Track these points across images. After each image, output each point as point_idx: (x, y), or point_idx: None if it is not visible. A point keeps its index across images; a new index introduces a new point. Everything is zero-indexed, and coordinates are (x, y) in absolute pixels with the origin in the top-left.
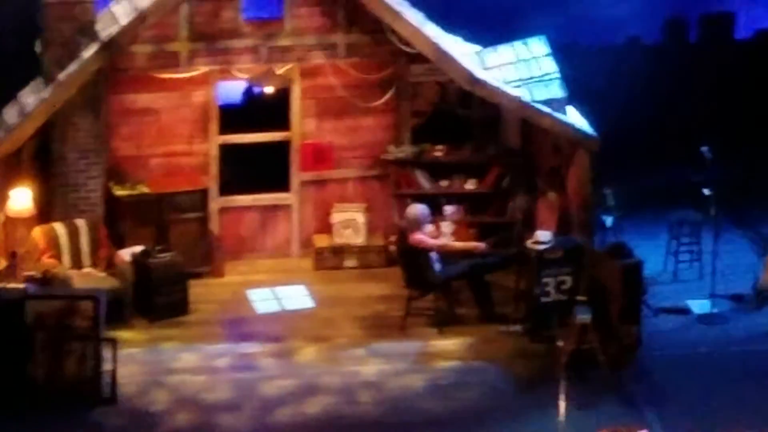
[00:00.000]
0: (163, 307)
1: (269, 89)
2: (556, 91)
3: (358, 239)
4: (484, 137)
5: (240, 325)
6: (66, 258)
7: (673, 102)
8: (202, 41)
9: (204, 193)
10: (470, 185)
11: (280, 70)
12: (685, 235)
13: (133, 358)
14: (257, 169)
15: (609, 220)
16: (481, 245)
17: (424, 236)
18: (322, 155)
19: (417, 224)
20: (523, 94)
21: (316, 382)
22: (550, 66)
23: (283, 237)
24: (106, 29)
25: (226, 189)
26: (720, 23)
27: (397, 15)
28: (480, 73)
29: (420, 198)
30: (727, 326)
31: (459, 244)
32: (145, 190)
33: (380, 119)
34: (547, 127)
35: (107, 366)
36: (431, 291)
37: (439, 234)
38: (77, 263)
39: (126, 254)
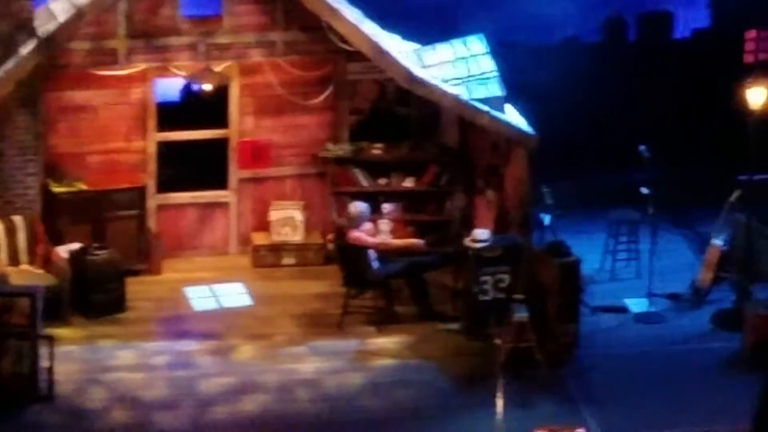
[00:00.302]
0: (100, 304)
1: (207, 87)
2: (495, 89)
3: (296, 237)
4: (422, 135)
5: (178, 322)
6: (3, 255)
7: (611, 101)
8: (140, 38)
9: (142, 191)
10: (408, 183)
11: (219, 67)
12: (623, 234)
13: (71, 356)
14: (195, 167)
15: (547, 219)
16: (419, 242)
17: (362, 234)
18: (260, 153)
19: (357, 222)
20: (462, 92)
21: (254, 380)
22: (488, 64)
23: (221, 234)
24: (43, 26)
25: (164, 186)
26: (658, 23)
27: (335, 13)
28: (418, 72)
29: (358, 196)
30: (665, 325)
31: (398, 242)
32: (82, 187)
33: (318, 117)
34: (486, 126)
35: (44, 363)
36: (369, 289)
37: (378, 232)
38: (14, 260)
39: (63, 251)
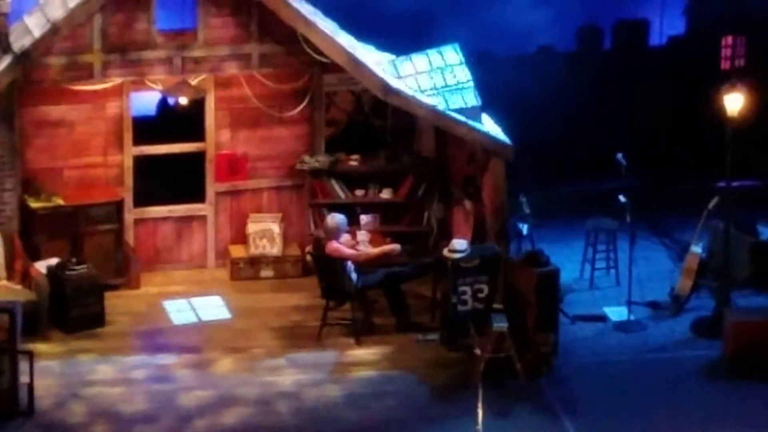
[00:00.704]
0: (78, 319)
1: (183, 100)
2: (471, 99)
3: (274, 249)
4: (398, 146)
5: (156, 336)
6: None
7: (587, 109)
8: (115, 52)
9: (119, 205)
10: (385, 194)
11: (194, 80)
12: (602, 243)
13: (50, 371)
14: (172, 181)
15: (525, 228)
16: (396, 247)
17: (340, 245)
18: (236, 166)
19: (334, 234)
20: (438, 102)
21: (233, 393)
22: (464, 74)
23: (198, 248)
24: (18, 41)
25: (141, 200)
26: (634, 30)
27: (309, 25)
28: (394, 82)
29: (335, 207)
30: (644, 333)
31: (375, 250)
32: (59, 202)
33: (295, 129)
34: (462, 136)
35: (24, 378)
36: (348, 301)
37: (356, 243)
38: None
39: (41, 266)
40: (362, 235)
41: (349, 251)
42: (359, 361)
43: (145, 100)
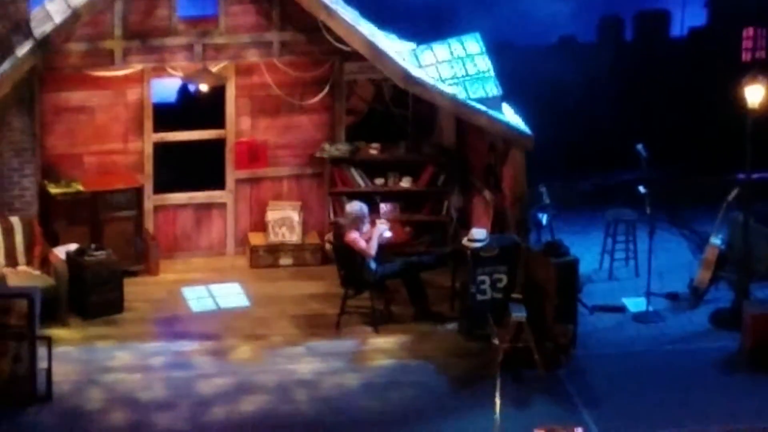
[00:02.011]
0: (97, 305)
1: (204, 87)
2: (492, 89)
3: (293, 237)
4: (419, 135)
5: (175, 323)
6: (0, 256)
7: (608, 100)
8: (136, 39)
9: (139, 192)
10: (405, 183)
11: (215, 68)
12: (621, 234)
13: (68, 357)
14: (192, 168)
15: (544, 218)
16: (380, 227)
17: (357, 237)
18: (256, 153)
19: (355, 222)
20: (458, 92)
21: (252, 381)
22: (485, 64)
23: (218, 235)
24: (40, 27)
25: (160, 187)
26: (655, 22)
27: (331, 13)
28: (415, 71)
29: (355, 196)
30: (663, 325)
31: (366, 244)
32: (79, 188)
33: (315, 117)
34: (482, 126)
35: (42, 364)
36: (366, 289)
37: (370, 235)
38: (12, 261)
39: (61, 252)
40: (382, 225)
41: (362, 244)
42: (378, 349)
43: (166, 87)
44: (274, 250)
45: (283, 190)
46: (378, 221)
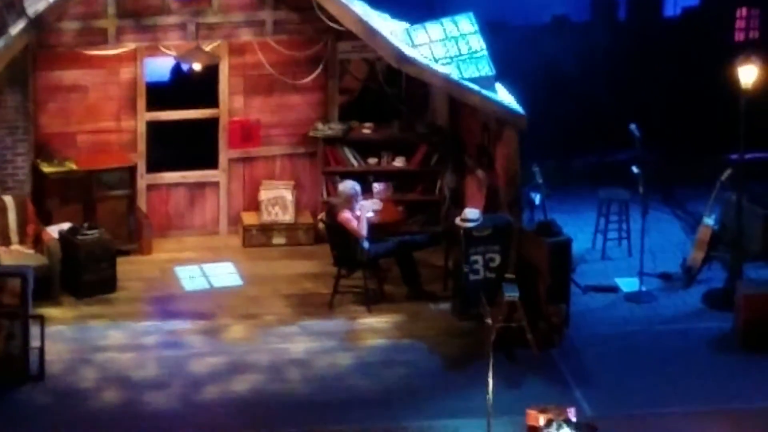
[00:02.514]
0: (90, 284)
1: (197, 66)
2: (485, 68)
3: (286, 217)
4: (412, 115)
5: (168, 302)
6: None
7: (600, 80)
8: (129, 18)
9: (132, 171)
10: (398, 163)
11: (208, 47)
12: (614, 213)
13: (61, 336)
14: (185, 147)
15: (537, 198)
16: (365, 204)
17: (350, 216)
18: (249, 133)
19: (348, 202)
20: (452, 71)
21: (244, 360)
22: (478, 43)
23: (211, 214)
24: (33, 6)
25: (153, 166)
26: (648, 1)
27: None
28: (408, 51)
29: (348, 176)
30: (656, 304)
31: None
32: (72, 167)
33: (308, 97)
34: (476, 105)
35: (35, 343)
36: (359, 269)
37: (359, 215)
38: (5, 240)
39: (54, 231)
40: (374, 204)
41: (354, 224)
42: (371, 329)
43: (159, 66)
44: (267, 229)
45: (276, 170)
46: (362, 200)
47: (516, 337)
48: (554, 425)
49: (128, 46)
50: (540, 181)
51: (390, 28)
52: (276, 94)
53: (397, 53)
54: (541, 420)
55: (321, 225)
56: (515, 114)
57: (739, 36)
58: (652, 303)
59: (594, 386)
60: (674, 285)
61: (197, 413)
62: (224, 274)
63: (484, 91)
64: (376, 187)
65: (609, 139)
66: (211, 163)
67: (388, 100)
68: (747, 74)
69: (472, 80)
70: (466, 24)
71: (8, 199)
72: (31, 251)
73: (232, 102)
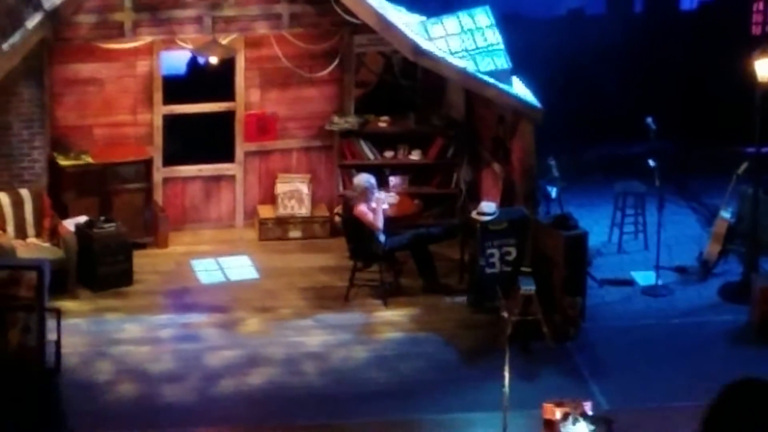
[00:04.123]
0: (106, 277)
1: (213, 59)
2: (501, 62)
3: (302, 210)
4: (428, 108)
5: (184, 295)
6: (10, 228)
7: (617, 73)
8: (146, 11)
9: (148, 164)
10: (414, 156)
11: (225, 40)
12: (630, 206)
13: (77, 329)
14: (201, 140)
15: (553, 191)
16: (381, 196)
17: (365, 209)
18: (266, 126)
19: (363, 195)
20: (468, 65)
21: (260, 353)
22: (494, 37)
23: (227, 208)
24: None
25: (170, 159)
26: None
27: None
28: (424, 44)
29: (364, 169)
30: (672, 298)
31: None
32: (89, 160)
33: (324, 90)
34: (492, 98)
35: (51, 336)
36: (375, 262)
37: (375, 207)
38: (21, 233)
39: (70, 224)
40: (390, 197)
41: (370, 217)
42: (386, 322)
43: (175, 59)
44: (283, 222)
45: (292, 163)
46: (377, 192)
47: (532, 330)
48: (570, 419)
49: (144, 40)
50: (556, 174)
51: (406, 21)
52: (292, 87)
53: (413, 46)
54: (558, 413)
55: (337, 218)
56: (531, 107)
57: (756, 29)
58: (668, 296)
59: (610, 379)
60: (690, 278)
61: (213, 406)
62: (240, 267)
63: (500, 85)
64: (392, 180)
65: (625, 132)
66: (228, 156)
67: (404, 94)
68: (763, 67)
69: (489, 73)
70: (482, 17)
71: (25, 193)
72: (48, 244)
73: (248, 95)
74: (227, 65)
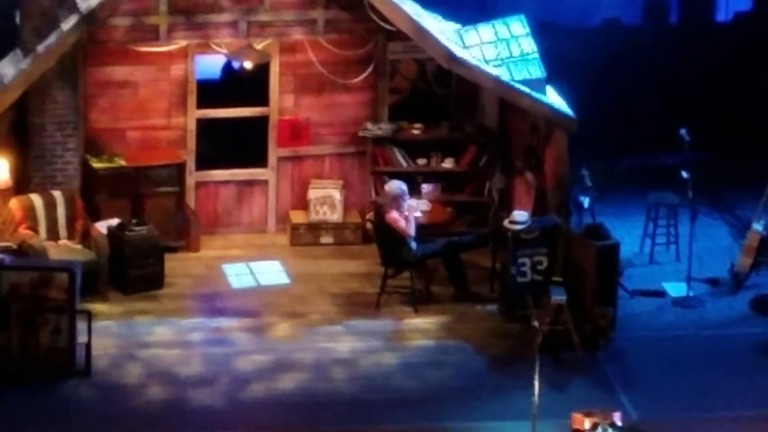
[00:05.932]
0: (138, 280)
1: (248, 64)
2: (535, 71)
3: (335, 216)
4: (461, 116)
5: (214, 299)
6: (42, 229)
7: (651, 83)
8: (181, 15)
9: (181, 167)
10: (447, 164)
11: (259, 45)
12: (662, 218)
13: (108, 331)
14: (234, 145)
15: (586, 201)
16: (412, 203)
17: (397, 216)
18: (299, 131)
19: (395, 201)
20: (502, 73)
21: (290, 358)
22: (529, 46)
23: (259, 212)
24: (85, 1)
25: (203, 163)
26: (700, 5)
27: None
28: (459, 52)
29: (397, 176)
30: (703, 309)
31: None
32: (122, 162)
33: (358, 96)
34: (526, 107)
35: (81, 338)
36: (407, 269)
37: (407, 215)
38: (53, 235)
39: (102, 227)
40: (423, 204)
41: (402, 224)
42: (416, 329)
43: (210, 64)
44: (315, 228)
45: (324, 169)
46: (408, 200)
47: (562, 339)
48: (600, 429)
49: (179, 43)
50: (589, 184)
51: (440, 28)
52: (326, 93)
53: (447, 54)
54: (587, 423)
55: (369, 225)
56: (565, 116)
57: None
58: (699, 308)
59: (640, 390)
60: (722, 290)
61: (242, 411)
62: (271, 272)
63: (534, 94)
64: (425, 187)
65: (658, 143)
66: (261, 161)
67: (438, 101)
68: None
69: (523, 82)
70: (517, 26)
71: (57, 194)
72: (79, 246)
73: (282, 100)
74: (261, 70)
